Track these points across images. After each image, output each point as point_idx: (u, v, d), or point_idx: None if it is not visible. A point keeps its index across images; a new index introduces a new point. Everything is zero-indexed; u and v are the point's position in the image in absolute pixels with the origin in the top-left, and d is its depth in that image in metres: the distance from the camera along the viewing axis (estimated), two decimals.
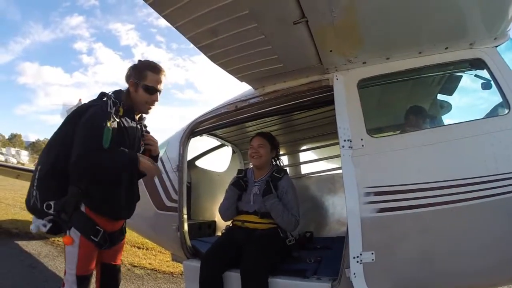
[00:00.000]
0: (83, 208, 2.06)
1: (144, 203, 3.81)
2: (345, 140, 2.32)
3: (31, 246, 6.06)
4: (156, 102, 2.31)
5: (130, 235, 6.96)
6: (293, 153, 5.22)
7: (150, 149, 2.43)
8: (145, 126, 2.48)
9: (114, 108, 2.12)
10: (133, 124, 2.28)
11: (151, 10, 1.91)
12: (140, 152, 2.33)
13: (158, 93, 2.28)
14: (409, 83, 2.80)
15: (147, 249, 6.32)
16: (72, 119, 2.16)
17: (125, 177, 2.23)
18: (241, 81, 2.85)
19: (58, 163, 2.05)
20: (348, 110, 2.38)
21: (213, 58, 2.43)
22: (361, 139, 2.31)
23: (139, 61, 2.32)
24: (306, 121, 4.30)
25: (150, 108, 2.32)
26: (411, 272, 2.22)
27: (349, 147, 2.31)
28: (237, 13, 1.89)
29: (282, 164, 3.48)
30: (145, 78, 2.22)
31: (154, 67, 2.27)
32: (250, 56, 2.38)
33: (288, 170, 5.07)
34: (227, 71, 2.63)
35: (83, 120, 2.07)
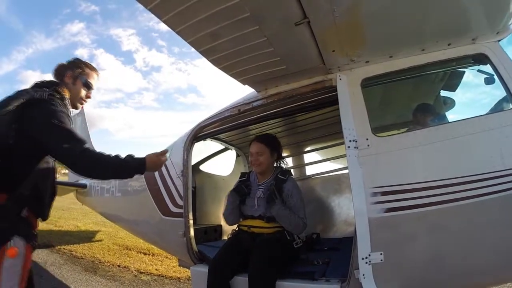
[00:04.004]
0: (24, 213, 1.89)
1: (149, 209, 3.83)
2: (350, 141, 2.30)
3: (37, 255, 6.06)
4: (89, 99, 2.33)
5: (136, 241, 7.03)
6: (298, 154, 5.21)
7: None
8: None
9: (67, 110, 2.04)
10: None
11: (152, 14, 1.89)
12: None
13: (92, 90, 2.31)
14: (412, 80, 2.77)
15: (153, 255, 6.32)
16: (15, 106, 1.84)
17: (51, 171, 2.10)
18: (244, 84, 2.83)
19: None
20: (352, 110, 2.37)
21: (215, 62, 2.41)
22: (367, 139, 2.30)
23: (74, 58, 2.31)
24: (310, 122, 4.29)
25: (82, 104, 2.31)
26: (421, 272, 2.20)
27: (355, 147, 2.29)
28: (238, 16, 1.87)
29: (286, 164, 3.41)
30: (83, 72, 2.25)
31: (91, 64, 2.31)
32: (252, 59, 2.37)
33: (293, 172, 5.08)
34: (229, 74, 2.62)
35: (46, 117, 1.87)
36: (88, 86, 2.27)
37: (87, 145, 1.94)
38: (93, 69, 2.31)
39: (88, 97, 2.31)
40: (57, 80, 2.21)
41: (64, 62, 2.28)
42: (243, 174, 3.36)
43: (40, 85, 2.08)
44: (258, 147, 3.07)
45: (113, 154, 2.04)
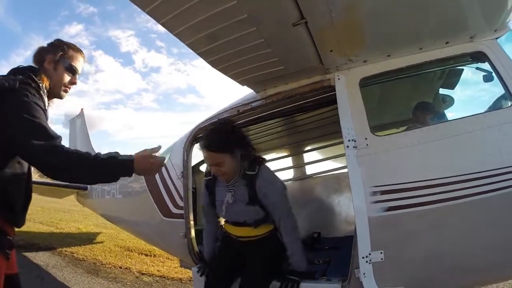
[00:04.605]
0: None
1: (150, 210, 3.84)
2: (349, 140, 2.30)
3: (38, 258, 6.10)
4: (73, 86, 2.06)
5: (138, 242, 7.03)
6: (298, 154, 5.22)
7: None
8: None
9: (42, 102, 1.77)
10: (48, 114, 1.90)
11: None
12: None
13: (77, 75, 2.04)
14: (411, 79, 2.77)
15: (154, 256, 6.33)
16: None
17: (26, 173, 1.84)
18: (243, 85, 2.83)
19: None
20: (351, 109, 2.36)
21: (214, 64, 2.41)
22: (365, 138, 2.29)
23: (56, 39, 2.05)
24: (309, 121, 4.29)
25: (66, 92, 2.03)
26: (421, 270, 2.21)
27: (354, 146, 2.29)
28: (235, 18, 1.87)
29: (252, 149, 2.66)
30: (66, 55, 1.97)
31: (74, 45, 2.04)
32: (251, 60, 2.36)
33: (292, 172, 5.08)
34: (228, 75, 2.62)
35: (15, 109, 1.62)
36: (72, 71, 1.99)
37: (61, 142, 1.70)
38: (77, 50, 2.02)
39: (72, 83, 2.02)
40: (36, 66, 1.94)
41: (45, 44, 2.01)
42: (208, 172, 2.81)
43: (15, 72, 1.82)
44: (215, 157, 2.45)
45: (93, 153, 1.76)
